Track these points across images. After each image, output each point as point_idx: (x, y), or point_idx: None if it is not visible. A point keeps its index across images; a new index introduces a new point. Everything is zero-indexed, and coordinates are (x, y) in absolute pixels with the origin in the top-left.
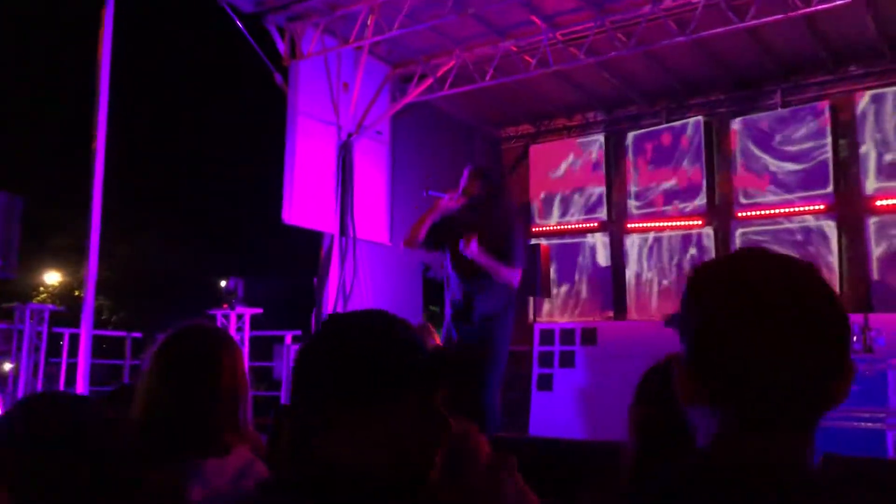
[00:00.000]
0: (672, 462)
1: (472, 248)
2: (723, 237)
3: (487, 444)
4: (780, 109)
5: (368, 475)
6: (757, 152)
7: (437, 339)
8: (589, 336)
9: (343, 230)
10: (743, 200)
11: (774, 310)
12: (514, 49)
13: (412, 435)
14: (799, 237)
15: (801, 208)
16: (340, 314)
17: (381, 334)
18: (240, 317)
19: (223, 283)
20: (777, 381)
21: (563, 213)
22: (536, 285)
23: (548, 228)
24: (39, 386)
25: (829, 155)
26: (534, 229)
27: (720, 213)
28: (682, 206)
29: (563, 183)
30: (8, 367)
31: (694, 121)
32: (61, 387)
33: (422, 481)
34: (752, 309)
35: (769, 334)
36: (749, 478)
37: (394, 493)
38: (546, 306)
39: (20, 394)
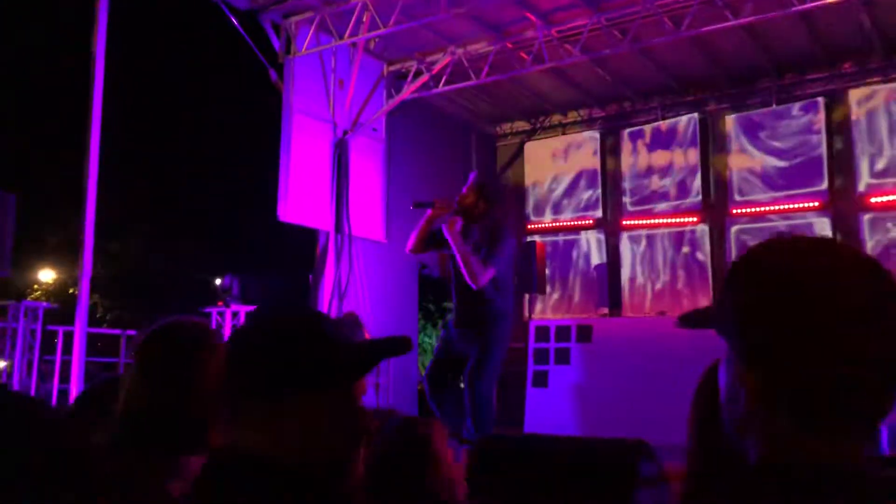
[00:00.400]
0: (732, 469)
1: (455, 227)
2: (717, 234)
3: (449, 446)
4: (774, 106)
5: (281, 466)
6: (751, 149)
7: (367, 333)
8: (584, 333)
9: (339, 228)
10: (737, 197)
11: (849, 302)
12: (510, 46)
13: (327, 428)
14: (794, 232)
15: (796, 205)
16: (263, 312)
17: (294, 328)
18: (235, 314)
19: (218, 281)
20: (854, 379)
21: (558, 211)
22: (532, 282)
23: (543, 226)
24: (34, 384)
25: (824, 152)
26: (529, 227)
27: (715, 210)
28: (676, 203)
29: (558, 180)
30: (1, 364)
31: (689, 117)
32: (55, 384)
33: (338, 474)
34: (828, 302)
35: (848, 330)
36: (812, 484)
37: (308, 485)
38: (541, 303)
39: None
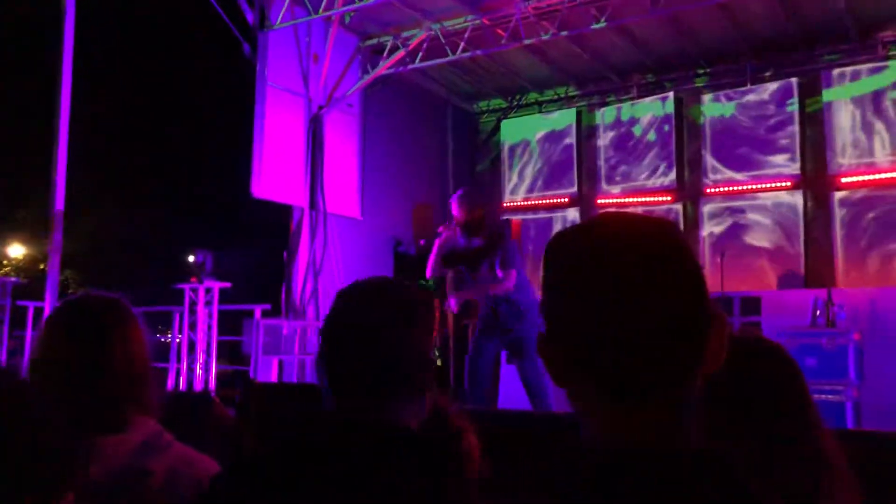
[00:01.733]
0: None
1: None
2: (692, 213)
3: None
4: (749, 86)
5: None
6: (726, 128)
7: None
8: None
9: (313, 204)
10: (712, 176)
11: (613, 269)
12: (486, 22)
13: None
14: (766, 213)
15: (769, 185)
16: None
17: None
18: (208, 291)
19: (191, 258)
20: (626, 345)
21: (534, 189)
22: None
23: (518, 204)
24: (3, 359)
25: (797, 132)
26: (505, 204)
27: (689, 188)
28: (651, 181)
29: (535, 158)
30: None
31: (665, 96)
32: (25, 360)
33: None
34: (590, 271)
35: (610, 295)
36: (616, 459)
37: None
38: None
39: None
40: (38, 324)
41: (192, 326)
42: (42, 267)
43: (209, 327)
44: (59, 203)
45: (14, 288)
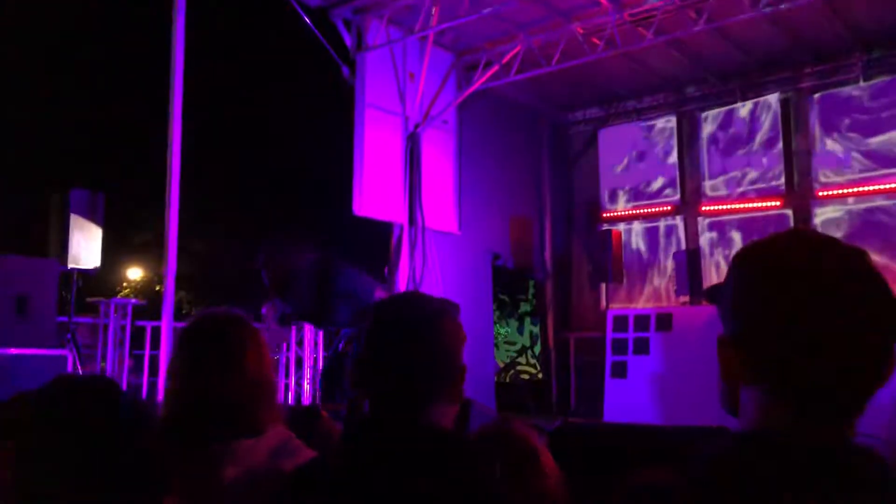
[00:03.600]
0: (717, 442)
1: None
2: (802, 218)
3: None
4: (861, 83)
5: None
6: (838, 129)
7: None
8: (664, 322)
9: (412, 220)
10: (823, 179)
11: (825, 290)
12: (581, 31)
13: None
14: (883, 217)
15: (885, 185)
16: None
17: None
18: None
19: None
20: (825, 363)
21: (635, 198)
22: (608, 271)
23: (619, 213)
24: (124, 377)
25: None
26: (604, 215)
27: (799, 193)
28: (758, 186)
29: (634, 166)
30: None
31: (770, 98)
32: (145, 377)
33: None
34: (803, 289)
35: (819, 314)
36: (794, 461)
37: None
38: (618, 292)
39: None
40: (158, 342)
41: (300, 343)
42: (158, 288)
43: (315, 343)
44: (173, 227)
45: (133, 309)
